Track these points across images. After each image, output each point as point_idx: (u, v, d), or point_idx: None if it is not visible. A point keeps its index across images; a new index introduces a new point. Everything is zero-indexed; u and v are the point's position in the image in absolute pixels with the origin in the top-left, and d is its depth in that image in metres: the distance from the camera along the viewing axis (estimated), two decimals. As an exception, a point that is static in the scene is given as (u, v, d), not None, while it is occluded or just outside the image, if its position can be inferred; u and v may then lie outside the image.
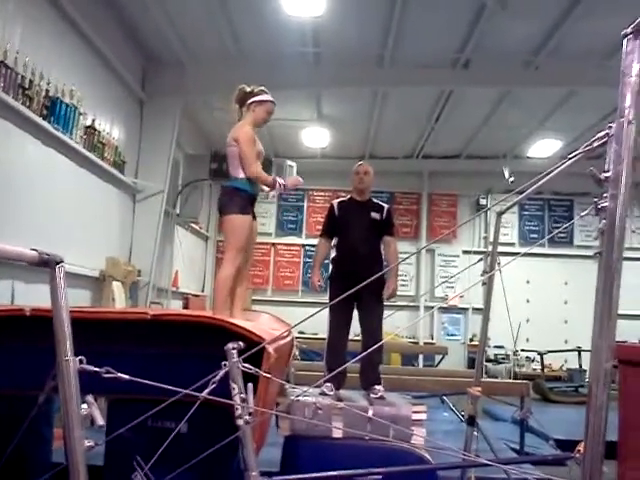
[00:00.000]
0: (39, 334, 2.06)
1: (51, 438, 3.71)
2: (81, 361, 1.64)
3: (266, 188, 3.91)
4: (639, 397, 3.78)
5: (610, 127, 1.81)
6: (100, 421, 1.63)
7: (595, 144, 2.00)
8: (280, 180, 3.82)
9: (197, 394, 1.99)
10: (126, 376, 1.76)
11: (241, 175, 3.77)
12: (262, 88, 4.02)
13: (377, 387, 4.33)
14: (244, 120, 3.92)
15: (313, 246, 13.92)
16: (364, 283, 2.68)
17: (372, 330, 4.44)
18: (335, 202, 4.88)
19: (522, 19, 7.59)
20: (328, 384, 4.20)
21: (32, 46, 5.89)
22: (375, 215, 4.67)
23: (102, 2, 7.39)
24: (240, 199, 3.75)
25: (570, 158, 2.11)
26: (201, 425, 2.72)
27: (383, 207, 4.76)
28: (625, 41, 1.70)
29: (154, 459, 2.19)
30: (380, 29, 8.05)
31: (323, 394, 4.13)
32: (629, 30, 1.69)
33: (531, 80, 9.11)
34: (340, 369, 3.62)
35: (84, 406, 1.62)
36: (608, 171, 1.76)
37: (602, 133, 1.88)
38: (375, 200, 4.83)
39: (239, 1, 7.44)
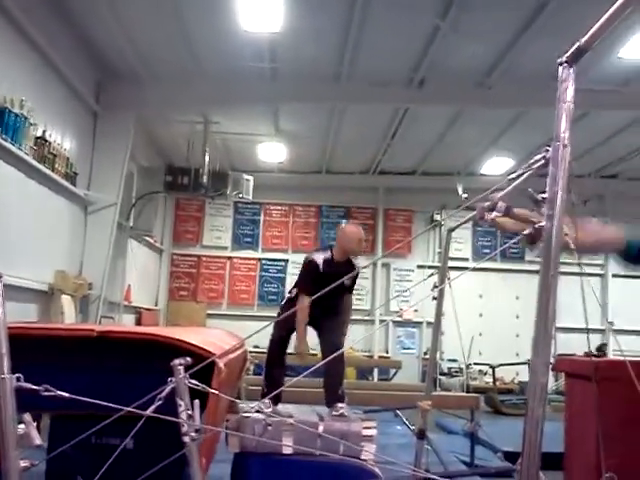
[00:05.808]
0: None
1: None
2: (18, 379, 1.60)
3: None
4: (583, 408, 3.88)
5: (547, 150, 1.88)
6: (37, 441, 1.60)
7: (535, 166, 2.07)
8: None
9: (141, 412, 1.96)
10: (65, 393, 1.73)
11: None
12: None
13: (339, 404, 4.29)
14: None
15: (270, 260, 14.10)
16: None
17: (333, 348, 4.33)
18: (320, 260, 4.76)
19: (474, 41, 7.80)
20: (266, 400, 4.11)
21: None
22: (349, 279, 4.63)
23: (56, 13, 7.26)
24: None
25: (512, 179, 2.18)
26: (148, 442, 2.67)
27: (356, 267, 4.89)
28: (560, 69, 1.78)
29: (98, 477, 2.15)
30: (337, 46, 8.15)
31: (259, 412, 3.89)
32: (563, 59, 1.76)
33: (484, 99, 9.34)
34: (280, 390, 3.60)
35: (21, 426, 1.58)
36: (545, 192, 1.83)
37: (540, 155, 1.95)
38: (351, 259, 4.91)
39: (195, 16, 7.42)
